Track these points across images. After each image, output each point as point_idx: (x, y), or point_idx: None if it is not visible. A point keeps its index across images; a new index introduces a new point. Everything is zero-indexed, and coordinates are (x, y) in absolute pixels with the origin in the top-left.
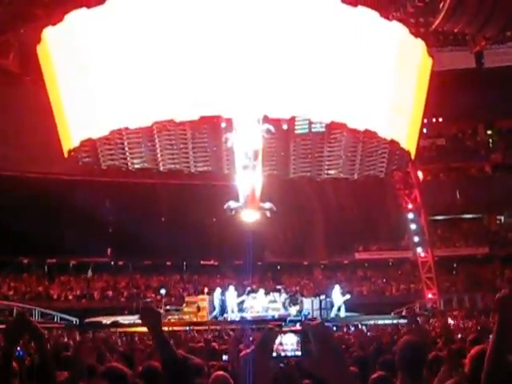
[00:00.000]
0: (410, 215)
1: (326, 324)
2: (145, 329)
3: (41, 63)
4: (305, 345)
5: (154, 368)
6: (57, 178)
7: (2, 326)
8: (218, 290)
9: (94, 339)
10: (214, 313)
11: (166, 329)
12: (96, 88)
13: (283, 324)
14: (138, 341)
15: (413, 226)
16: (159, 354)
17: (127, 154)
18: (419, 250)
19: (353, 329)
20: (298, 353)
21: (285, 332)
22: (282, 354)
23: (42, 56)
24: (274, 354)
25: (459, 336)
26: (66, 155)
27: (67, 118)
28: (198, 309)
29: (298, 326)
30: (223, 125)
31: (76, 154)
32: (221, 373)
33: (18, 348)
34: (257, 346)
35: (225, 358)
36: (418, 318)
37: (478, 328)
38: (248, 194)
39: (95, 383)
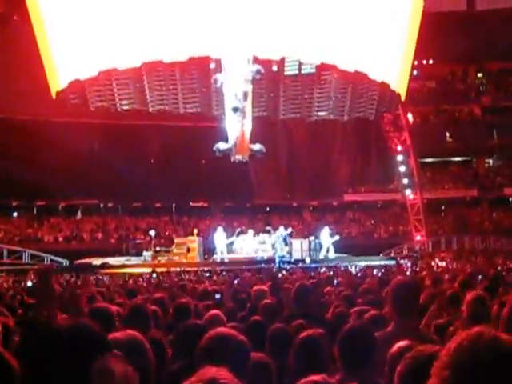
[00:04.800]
0: (400, 157)
1: (314, 265)
2: (135, 270)
3: (27, 4)
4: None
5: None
6: (45, 120)
7: None
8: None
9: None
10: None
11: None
12: (83, 28)
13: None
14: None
15: (402, 169)
16: None
17: (116, 95)
18: (408, 192)
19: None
20: None
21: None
22: None
23: None
24: None
25: (446, 277)
26: (53, 97)
27: (54, 59)
28: (188, 250)
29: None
30: (212, 65)
31: (64, 95)
32: (215, 311)
33: None
34: None
35: (217, 296)
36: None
37: (467, 270)
38: (237, 136)
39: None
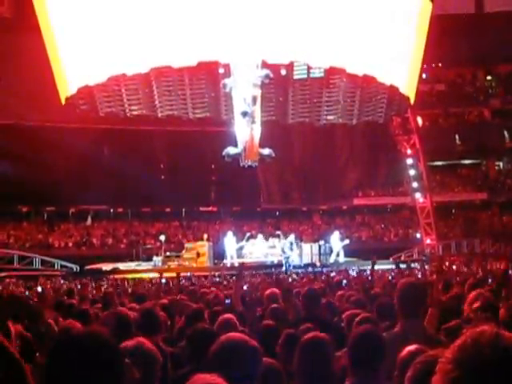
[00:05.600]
0: (409, 161)
1: (325, 269)
2: (145, 275)
3: (36, 10)
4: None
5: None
6: (55, 126)
7: None
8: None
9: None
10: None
11: (166, 275)
12: (92, 34)
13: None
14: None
15: (411, 172)
16: None
17: (125, 100)
18: (418, 195)
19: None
20: None
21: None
22: None
23: (36, 2)
24: None
25: (457, 279)
26: (63, 102)
27: (64, 65)
28: (198, 255)
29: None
30: (221, 70)
31: (73, 101)
32: (228, 316)
33: None
34: None
35: (227, 301)
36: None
37: (476, 273)
38: (246, 140)
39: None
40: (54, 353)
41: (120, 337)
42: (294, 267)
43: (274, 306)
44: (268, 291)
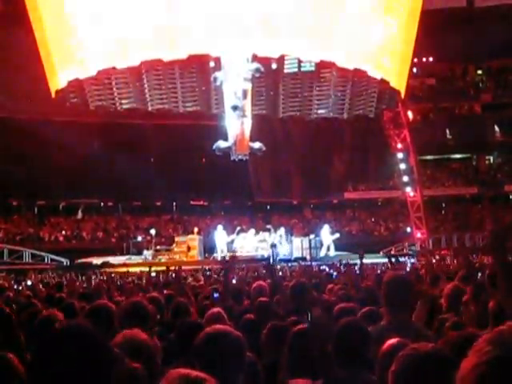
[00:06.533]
0: (400, 155)
1: (314, 263)
2: (135, 269)
3: (26, 3)
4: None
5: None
6: (46, 120)
7: None
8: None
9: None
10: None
11: (156, 268)
12: (82, 27)
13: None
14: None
15: (402, 166)
16: None
17: (115, 94)
18: (408, 189)
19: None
20: None
21: None
22: None
23: None
24: None
25: (447, 273)
26: (53, 96)
27: (54, 59)
28: (188, 248)
29: None
30: (212, 64)
31: (63, 94)
32: (216, 309)
33: None
34: None
35: (216, 295)
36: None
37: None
38: (237, 134)
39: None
40: (39, 347)
41: (102, 330)
42: (283, 260)
43: (262, 299)
44: (255, 284)
